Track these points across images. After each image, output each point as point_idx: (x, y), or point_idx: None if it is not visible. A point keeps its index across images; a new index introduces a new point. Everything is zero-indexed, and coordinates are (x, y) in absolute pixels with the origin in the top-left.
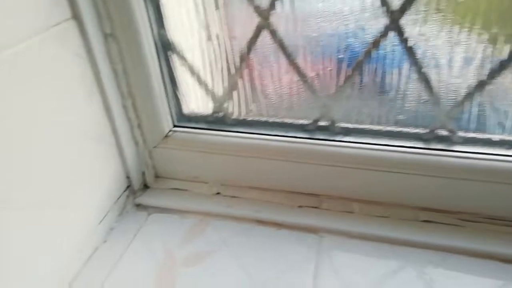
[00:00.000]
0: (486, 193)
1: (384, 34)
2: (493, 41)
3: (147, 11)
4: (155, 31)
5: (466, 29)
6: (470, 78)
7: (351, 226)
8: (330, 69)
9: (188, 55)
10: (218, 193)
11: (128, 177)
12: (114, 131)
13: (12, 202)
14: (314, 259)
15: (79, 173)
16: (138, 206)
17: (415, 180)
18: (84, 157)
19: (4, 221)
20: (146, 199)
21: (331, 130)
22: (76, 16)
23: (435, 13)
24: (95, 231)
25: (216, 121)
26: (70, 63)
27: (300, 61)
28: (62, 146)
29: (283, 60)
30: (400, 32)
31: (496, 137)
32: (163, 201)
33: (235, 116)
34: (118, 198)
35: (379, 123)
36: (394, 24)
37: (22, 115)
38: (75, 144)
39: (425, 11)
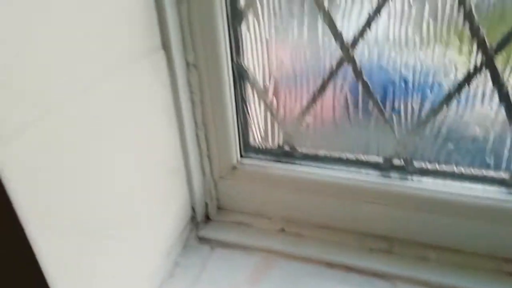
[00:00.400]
0: None
1: (476, 73)
2: None
3: (230, 41)
4: (233, 60)
5: None
6: None
7: (427, 274)
8: (413, 106)
9: (262, 86)
10: (282, 230)
11: (193, 208)
12: (186, 161)
13: (88, 229)
14: None
15: (150, 203)
16: (201, 239)
17: (496, 229)
18: (156, 186)
19: (82, 248)
20: (209, 232)
21: (406, 169)
22: (165, 46)
23: None
24: (163, 263)
25: (284, 154)
26: (155, 92)
27: (380, 96)
28: (138, 176)
29: (362, 96)
30: (494, 72)
31: None
32: (226, 235)
33: (304, 150)
34: (183, 230)
35: (459, 165)
36: (489, 64)
37: (107, 143)
38: (149, 173)
39: None
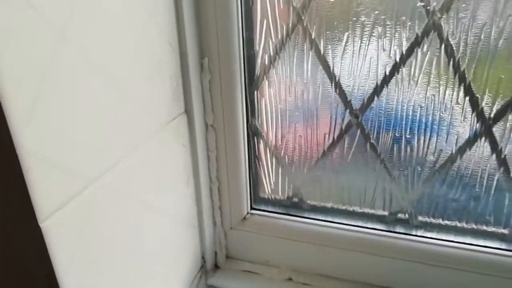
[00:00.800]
0: None
1: (476, 140)
2: None
3: (246, 103)
4: (249, 120)
5: None
6: None
7: None
8: (415, 167)
9: (274, 143)
10: (290, 279)
11: (203, 258)
12: (199, 214)
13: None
14: None
15: (164, 255)
16: (210, 287)
17: (497, 282)
18: (173, 241)
19: None
20: (218, 280)
21: (410, 223)
22: (187, 110)
23: None
24: None
25: (293, 205)
26: (176, 153)
27: (386, 157)
28: (159, 236)
29: (367, 155)
30: (492, 139)
31: None
32: (235, 284)
33: (313, 202)
34: (194, 279)
35: (463, 221)
36: (487, 131)
37: (138, 202)
38: (167, 229)
39: None
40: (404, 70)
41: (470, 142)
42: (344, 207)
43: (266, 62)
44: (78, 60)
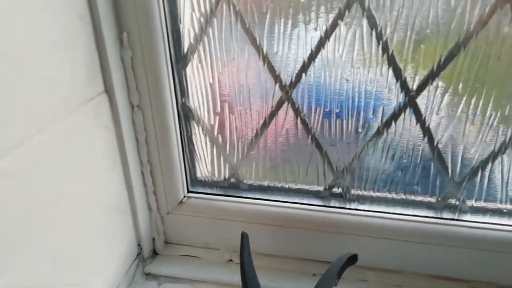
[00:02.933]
0: (497, 262)
1: (401, 111)
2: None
3: (174, 82)
4: (179, 100)
5: (479, 106)
6: (482, 151)
7: None
8: (347, 141)
9: (207, 123)
10: (230, 260)
11: (139, 245)
12: (131, 199)
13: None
14: None
15: (97, 243)
16: (148, 275)
17: (427, 248)
18: (101, 227)
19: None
20: (156, 267)
21: (345, 197)
22: (107, 89)
23: (450, 93)
24: None
25: (231, 186)
26: (99, 136)
27: (318, 131)
28: (83, 221)
29: (301, 131)
30: (416, 110)
31: (505, 207)
32: (174, 269)
33: (250, 181)
34: (129, 267)
35: (392, 192)
36: (411, 102)
37: (49, 189)
38: (96, 215)
39: (441, 90)
40: (330, 44)
41: (396, 113)
42: (280, 185)
43: (192, 38)
44: None
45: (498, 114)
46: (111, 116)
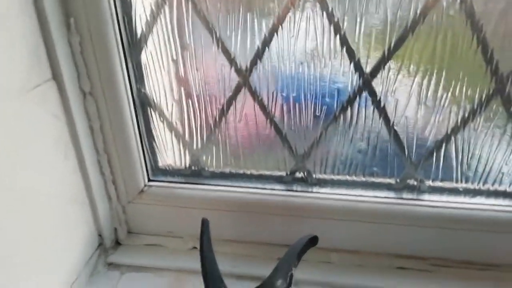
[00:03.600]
0: (455, 239)
1: (357, 94)
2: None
3: (127, 69)
4: (134, 88)
5: (432, 88)
6: (437, 132)
7: (330, 276)
8: (306, 125)
9: (166, 111)
10: (194, 248)
11: (100, 235)
12: (88, 189)
13: None
14: None
15: (51, 235)
16: (110, 265)
17: (388, 229)
18: (57, 218)
19: None
20: (118, 257)
21: (307, 181)
22: (55, 76)
23: (404, 76)
24: None
25: (192, 174)
26: (47, 125)
27: (277, 116)
28: (35, 209)
29: (260, 116)
30: (372, 92)
31: (461, 186)
32: (137, 258)
33: (211, 169)
34: (90, 258)
35: (353, 174)
36: (367, 85)
37: None
38: (48, 206)
39: (394, 74)
40: (284, 29)
41: (351, 96)
42: (242, 171)
43: (144, 24)
44: None
45: (449, 95)
46: (61, 103)
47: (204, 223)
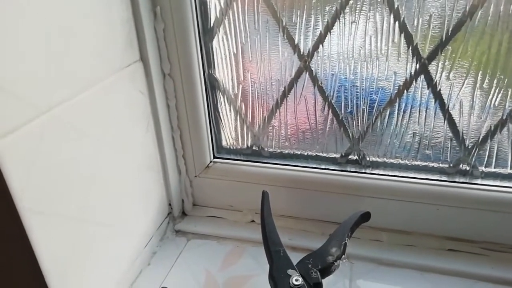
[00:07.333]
0: (508, 223)
1: (413, 78)
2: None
3: (201, 54)
4: (206, 71)
5: (487, 75)
6: (492, 117)
7: (380, 253)
8: (363, 108)
9: (231, 93)
10: (252, 221)
11: (170, 205)
12: (163, 160)
13: (79, 218)
14: (348, 284)
15: (132, 200)
16: (178, 232)
17: (441, 211)
18: (137, 184)
19: (73, 233)
20: (185, 225)
21: (360, 163)
22: (143, 58)
23: (460, 61)
24: (140, 255)
25: (253, 154)
26: (136, 99)
27: (334, 99)
28: (121, 175)
29: (319, 99)
30: (428, 76)
31: None
32: (201, 227)
33: (270, 149)
34: (161, 225)
35: (406, 158)
36: (423, 69)
37: (94, 145)
38: (131, 173)
39: (451, 58)
40: (345, 12)
41: (408, 80)
42: (299, 152)
43: (218, 12)
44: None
45: (506, 80)
46: (146, 82)
47: (264, 195)
